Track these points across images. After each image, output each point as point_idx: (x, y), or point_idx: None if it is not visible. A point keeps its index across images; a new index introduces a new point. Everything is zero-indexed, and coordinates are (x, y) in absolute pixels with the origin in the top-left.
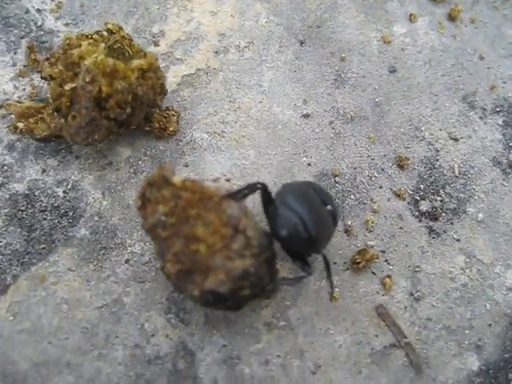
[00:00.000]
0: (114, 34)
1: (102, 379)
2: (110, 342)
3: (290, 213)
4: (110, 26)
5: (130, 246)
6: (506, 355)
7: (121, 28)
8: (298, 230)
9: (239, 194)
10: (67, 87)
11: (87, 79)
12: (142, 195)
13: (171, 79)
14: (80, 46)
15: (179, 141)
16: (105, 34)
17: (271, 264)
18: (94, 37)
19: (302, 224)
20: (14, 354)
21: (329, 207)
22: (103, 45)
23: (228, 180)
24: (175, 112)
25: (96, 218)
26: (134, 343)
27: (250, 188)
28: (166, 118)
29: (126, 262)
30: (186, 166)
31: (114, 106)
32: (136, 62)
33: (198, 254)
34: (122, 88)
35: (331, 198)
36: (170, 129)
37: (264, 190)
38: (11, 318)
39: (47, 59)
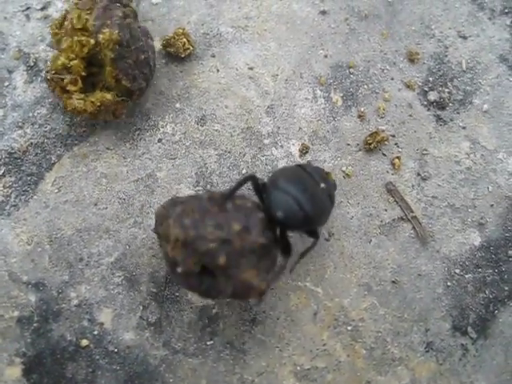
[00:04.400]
0: None
1: (137, 243)
2: (144, 211)
3: (283, 195)
4: None
5: (162, 127)
6: (507, 234)
7: None
8: (293, 211)
9: (233, 191)
10: None
11: None
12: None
13: None
14: None
15: (206, 34)
16: None
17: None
18: None
19: (297, 204)
20: (59, 221)
21: (322, 185)
22: None
23: (251, 68)
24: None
25: (130, 104)
26: None
27: (241, 182)
28: None
29: (159, 141)
30: (213, 57)
31: None
32: None
33: None
34: None
35: (325, 176)
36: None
37: (254, 180)
38: (56, 191)
39: None
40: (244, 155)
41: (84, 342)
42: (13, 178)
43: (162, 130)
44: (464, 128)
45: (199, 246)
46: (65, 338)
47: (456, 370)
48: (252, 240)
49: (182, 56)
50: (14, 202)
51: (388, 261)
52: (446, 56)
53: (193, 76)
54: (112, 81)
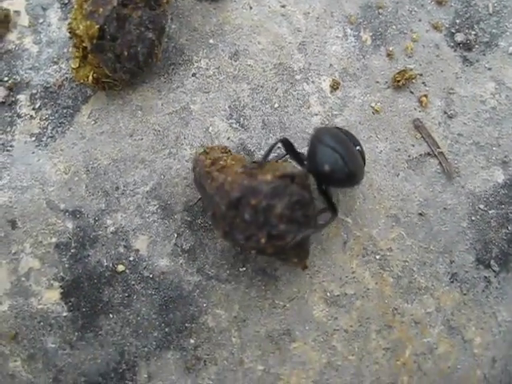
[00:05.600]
0: None
1: (172, 173)
2: (179, 143)
3: (329, 150)
4: None
5: (196, 62)
6: None
7: None
8: (339, 165)
9: (266, 156)
10: None
11: None
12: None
13: None
14: None
15: None
16: None
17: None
18: None
19: (342, 159)
20: (95, 152)
21: (358, 148)
22: None
23: (283, 6)
24: None
25: (165, 40)
26: (200, 144)
27: (272, 146)
28: None
29: (193, 75)
30: None
31: None
32: None
33: None
34: None
35: (358, 141)
36: None
37: (286, 142)
38: (92, 122)
39: None
40: (276, 90)
41: (120, 268)
42: (49, 111)
43: (196, 64)
44: (490, 69)
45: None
46: (101, 263)
47: (479, 301)
48: None
49: None
50: (51, 133)
51: (415, 194)
52: None
53: (226, 13)
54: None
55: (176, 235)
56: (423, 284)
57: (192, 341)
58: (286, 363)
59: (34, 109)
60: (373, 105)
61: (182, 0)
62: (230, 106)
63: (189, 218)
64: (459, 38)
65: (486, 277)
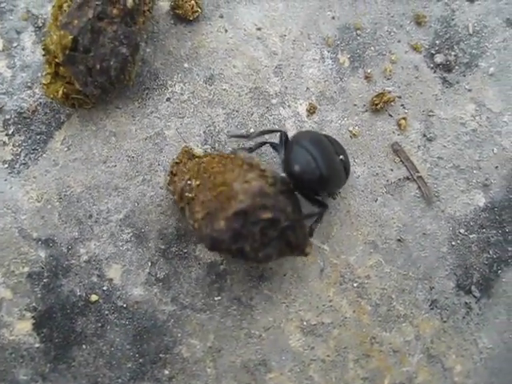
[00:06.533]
0: None
1: (146, 200)
2: (153, 169)
3: (303, 151)
4: None
5: (170, 87)
6: (511, 196)
7: None
8: (310, 167)
9: (253, 147)
10: None
11: None
12: (170, 173)
13: None
14: None
15: None
16: None
17: (290, 198)
18: None
19: (315, 161)
20: (68, 179)
21: (341, 157)
22: None
23: (259, 29)
24: None
25: (140, 64)
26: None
27: (270, 130)
28: None
29: (167, 100)
30: (221, 17)
31: None
32: None
33: (221, 194)
34: None
35: (344, 151)
36: None
37: (284, 136)
38: (65, 149)
39: None
40: (252, 114)
41: (93, 298)
42: (22, 137)
43: (170, 89)
44: (470, 90)
45: None
46: (74, 293)
47: (459, 328)
48: None
49: (190, 19)
50: (24, 160)
51: (393, 219)
52: (453, 19)
53: (201, 36)
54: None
55: (150, 264)
56: (402, 312)
57: (166, 372)
58: None
59: (7, 135)
60: (350, 129)
61: (158, 23)
62: (204, 131)
63: (163, 246)
64: (439, 59)
65: (466, 303)
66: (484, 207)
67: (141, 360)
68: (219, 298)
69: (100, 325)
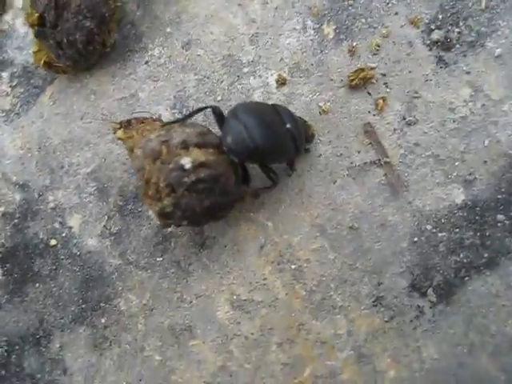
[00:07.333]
0: None
1: (112, 158)
2: None
3: (235, 122)
4: None
5: (150, 50)
6: (499, 196)
7: None
8: (242, 138)
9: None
10: None
11: None
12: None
13: None
14: None
15: None
16: None
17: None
18: None
19: (247, 133)
20: (49, 131)
21: (288, 126)
22: None
23: None
24: None
25: (129, 26)
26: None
27: (200, 109)
28: None
29: (146, 63)
30: None
31: None
32: None
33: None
34: None
35: (295, 121)
36: None
37: (216, 111)
38: (51, 103)
39: None
40: (221, 82)
41: (53, 242)
42: (22, 89)
43: (150, 52)
44: (468, 73)
45: None
46: (38, 235)
47: (403, 331)
48: None
49: None
50: (18, 110)
51: (350, 205)
52: None
53: (185, 1)
54: None
55: (107, 218)
56: (339, 303)
57: (103, 320)
58: (182, 358)
59: (10, 86)
60: (321, 104)
61: None
62: (175, 96)
63: (121, 203)
64: (436, 35)
65: (418, 306)
66: (462, 205)
67: (83, 306)
68: (161, 259)
69: (54, 268)
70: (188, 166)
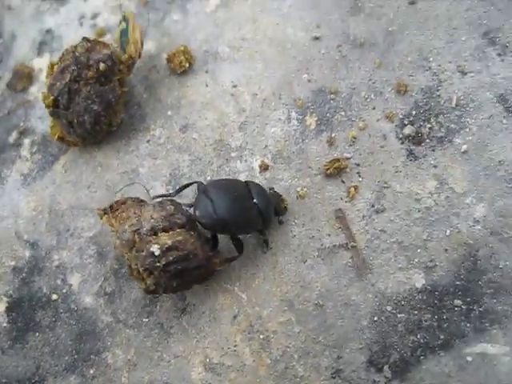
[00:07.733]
0: None
1: None
2: None
3: (203, 197)
4: None
5: (152, 130)
6: (458, 282)
7: None
8: (208, 211)
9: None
10: None
11: None
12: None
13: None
14: None
15: (206, 51)
16: None
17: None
18: None
19: (212, 206)
20: (59, 197)
21: (255, 201)
22: None
23: (235, 86)
24: None
25: (135, 107)
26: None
27: (188, 184)
28: None
29: (147, 141)
30: (207, 72)
31: None
32: None
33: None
34: None
35: (264, 195)
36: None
37: (199, 187)
38: (63, 171)
39: None
40: (212, 164)
41: (54, 297)
42: (39, 156)
43: (152, 132)
44: (435, 167)
45: None
46: (41, 289)
47: None
48: None
49: (178, 72)
50: (35, 175)
51: (317, 283)
52: (438, 90)
53: (186, 88)
54: None
55: (103, 279)
56: (300, 373)
57: (91, 371)
58: None
59: (31, 152)
60: (298, 189)
61: (158, 73)
62: (170, 173)
63: (116, 266)
64: (408, 130)
65: (374, 381)
66: (422, 289)
67: (76, 356)
68: (147, 319)
69: (54, 320)
70: (157, 252)
